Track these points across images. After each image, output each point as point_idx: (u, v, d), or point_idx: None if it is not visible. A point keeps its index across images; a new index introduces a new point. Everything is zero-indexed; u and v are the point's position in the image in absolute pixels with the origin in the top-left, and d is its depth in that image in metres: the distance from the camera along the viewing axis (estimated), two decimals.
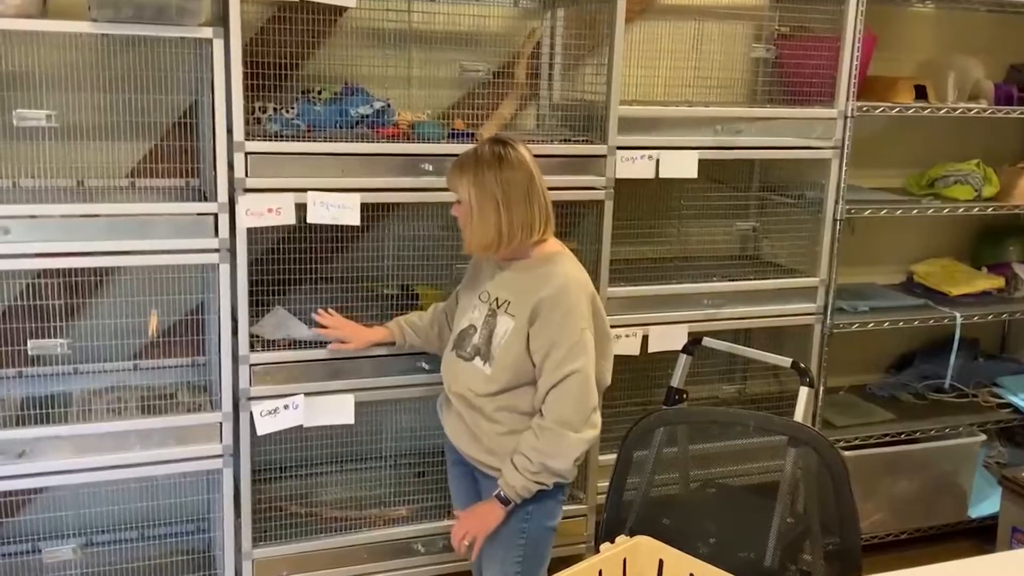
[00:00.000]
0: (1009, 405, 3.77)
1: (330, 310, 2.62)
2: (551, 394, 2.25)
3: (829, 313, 3.29)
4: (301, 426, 2.63)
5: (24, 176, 2.63)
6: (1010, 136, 4.00)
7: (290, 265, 2.73)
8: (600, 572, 1.59)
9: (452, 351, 2.42)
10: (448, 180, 2.35)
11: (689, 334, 3.05)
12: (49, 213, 2.37)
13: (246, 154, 2.47)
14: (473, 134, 2.81)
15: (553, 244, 2.35)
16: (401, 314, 2.65)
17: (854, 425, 3.52)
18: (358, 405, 2.68)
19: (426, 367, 2.73)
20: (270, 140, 2.54)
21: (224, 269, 2.50)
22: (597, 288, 2.55)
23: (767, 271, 3.34)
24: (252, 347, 2.58)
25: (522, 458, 2.25)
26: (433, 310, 2.63)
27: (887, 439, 3.51)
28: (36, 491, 2.76)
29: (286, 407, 2.60)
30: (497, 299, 2.35)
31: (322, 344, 2.63)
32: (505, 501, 2.28)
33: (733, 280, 3.18)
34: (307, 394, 2.62)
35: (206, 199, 2.55)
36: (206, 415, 2.58)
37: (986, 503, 3.70)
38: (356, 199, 2.56)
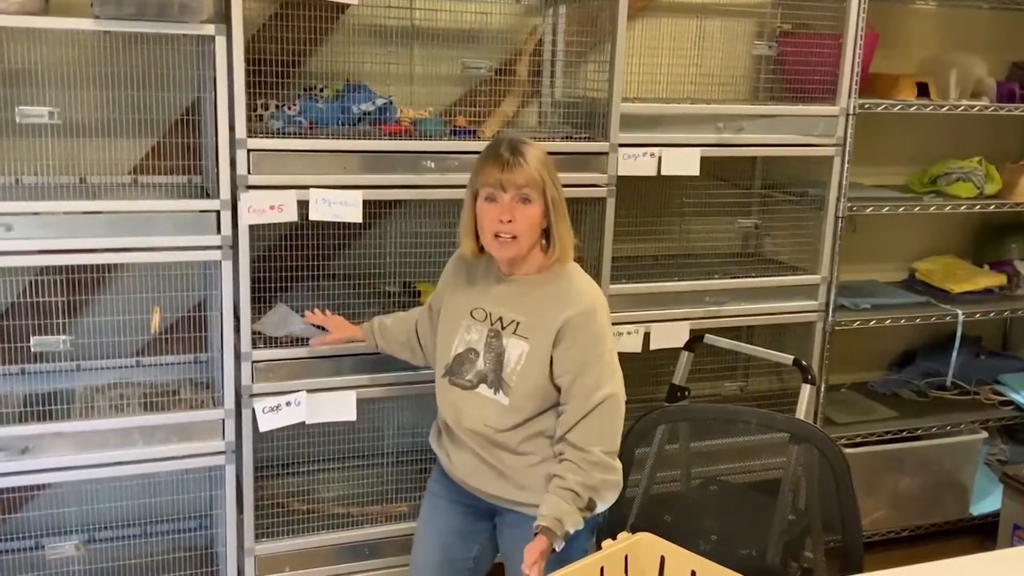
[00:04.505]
0: (1011, 402, 3.77)
1: (326, 311, 2.62)
2: (586, 422, 2.06)
3: (831, 310, 3.29)
4: (303, 423, 2.63)
5: (27, 173, 2.63)
6: (1012, 133, 4.00)
7: (292, 262, 2.74)
8: (602, 569, 1.59)
9: (445, 378, 2.22)
10: (515, 177, 2.07)
11: (691, 331, 3.05)
12: (52, 210, 2.37)
13: (248, 151, 2.47)
14: (475, 131, 2.81)
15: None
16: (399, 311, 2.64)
17: (856, 422, 3.52)
18: (360, 402, 2.68)
19: None
20: (272, 137, 2.55)
21: (226, 266, 2.50)
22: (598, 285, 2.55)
23: (769, 268, 3.34)
24: (254, 344, 2.58)
25: (571, 494, 2.03)
26: (407, 317, 2.50)
27: (889, 436, 3.51)
28: (39, 488, 2.76)
29: (288, 404, 2.60)
30: (501, 319, 2.16)
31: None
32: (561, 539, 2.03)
33: (735, 277, 3.18)
34: (309, 391, 2.62)
35: (208, 196, 2.56)
36: (208, 412, 2.58)
37: (987, 500, 3.71)
38: (358, 196, 2.56)
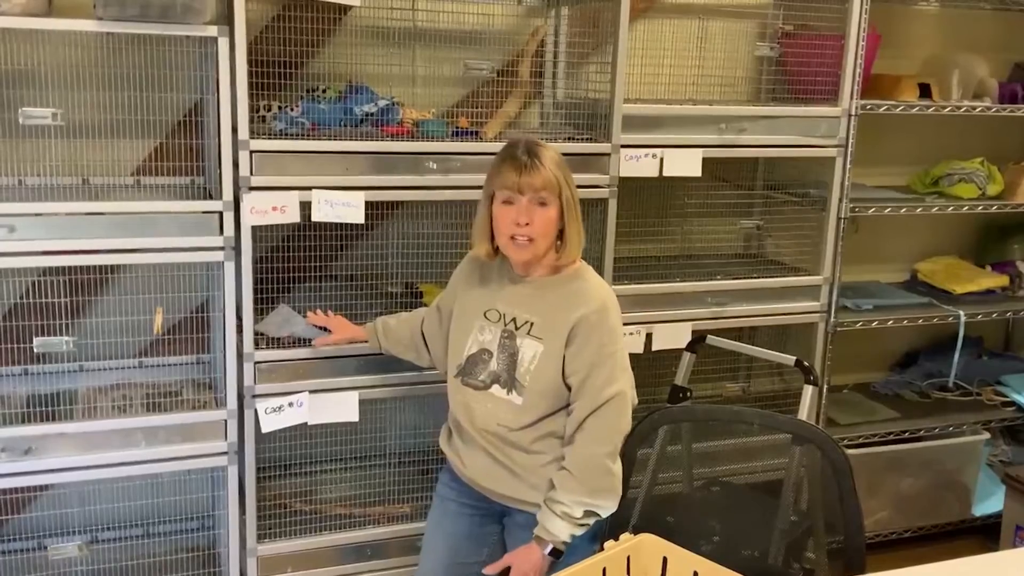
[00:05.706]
0: (1013, 403, 3.76)
1: (329, 311, 2.62)
2: (594, 419, 2.09)
3: (833, 311, 3.29)
4: (305, 424, 2.64)
5: (29, 174, 2.64)
6: (1014, 134, 4.00)
7: (295, 263, 2.74)
8: (604, 570, 1.59)
9: (457, 378, 2.24)
10: (533, 180, 2.08)
11: (693, 332, 3.05)
12: (54, 211, 2.38)
13: (251, 152, 2.47)
14: (477, 132, 2.81)
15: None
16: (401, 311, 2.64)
17: (858, 423, 3.52)
18: (362, 402, 2.68)
19: None
20: (275, 138, 2.55)
21: (229, 267, 2.50)
22: None
23: (771, 269, 3.34)
24: (257, 345, 2.59)
25: (563, 506, 2.07)
26: (412, 317, 2.51)
27: (891, 437, 3.51)
28: (42, 488, 2.77)
29: (290, 404, 2.60)
30: (515, 319, 2.17)
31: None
32: (556, 553, 2.09)
33: (737, 278, 3.18)
34: (311, 392, 2.62)
35: (211, 197, 2.56)
36: (211, 412, 2.58)
37: (990, 501, 3.71)
38: (360, 197, 2.56)
